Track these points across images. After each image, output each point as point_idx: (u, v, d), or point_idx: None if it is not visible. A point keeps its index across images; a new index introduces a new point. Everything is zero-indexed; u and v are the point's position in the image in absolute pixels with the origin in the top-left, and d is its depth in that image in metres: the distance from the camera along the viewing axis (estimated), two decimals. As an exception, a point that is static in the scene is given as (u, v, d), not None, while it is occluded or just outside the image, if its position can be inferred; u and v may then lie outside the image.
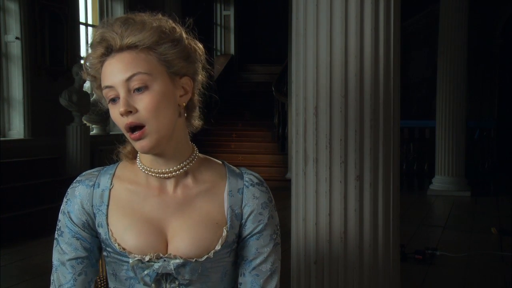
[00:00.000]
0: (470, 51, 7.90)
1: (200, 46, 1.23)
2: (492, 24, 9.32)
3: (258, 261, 1.24)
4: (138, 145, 1.14)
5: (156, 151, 1.16)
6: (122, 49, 1.13)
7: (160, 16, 1.18)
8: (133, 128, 1.12)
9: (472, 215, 6.52)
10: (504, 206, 6.83)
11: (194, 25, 1.22)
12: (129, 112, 1.11)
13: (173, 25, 1.18)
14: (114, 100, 1.13)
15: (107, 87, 1.13)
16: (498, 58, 9.48)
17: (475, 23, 8.60)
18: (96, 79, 1.18)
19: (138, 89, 1.12)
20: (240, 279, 1.25)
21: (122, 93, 1.12)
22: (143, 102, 1.12)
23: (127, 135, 1.15)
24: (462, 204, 7.16)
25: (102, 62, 1.15)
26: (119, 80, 1.12)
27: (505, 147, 9.27)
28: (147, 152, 1.15)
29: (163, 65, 1.15)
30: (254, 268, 1.24)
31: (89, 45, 1.19)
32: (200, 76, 1.23)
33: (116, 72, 1.12)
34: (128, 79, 1.12)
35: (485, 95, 9.42)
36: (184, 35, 1.19)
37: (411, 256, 4.38)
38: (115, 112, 1.14)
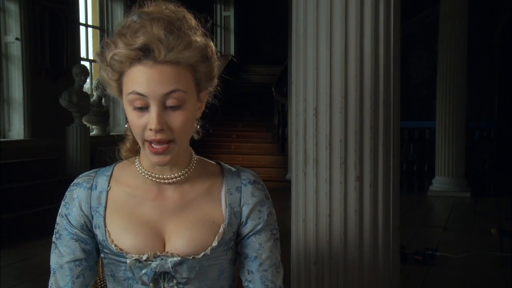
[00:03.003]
0: (470, 52, 7.90)
1: (216, 57, 1.21)
2: (492, 25, 9.33)
3: (263, 256, 1.25)
4: (155, 158, 1.12)
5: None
6: (164, 62, 1.07)
7: (193, 21, 1.14)
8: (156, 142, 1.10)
9: (472, 215, 6.52)
10: (504, 207, 6.83)
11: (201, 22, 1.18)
12: (161, 129, 1.09)
13: (206, 37, 1.15)
14: (141, 108, 1.09)
15: (138, 94, 1.08)
16: (498, 58, 9.48)
17: (475, 23, 8.60)
18: (114, 72, 1.11)
19: (172, 107, 1.09)
20: (248, 277, 1.26)
21: (155, 107, 1.08)
22: (175, 121, 1.10)
23: (145, 145, 1.12)
24: (462, 205, 7.16)
25: (132, 63, 1.09)
26: (157, 93, 1.07)
27: (505, 148, 9.27)
28: (163, 165, 1.15)
29: (195, 83, 1.13)
30: (261, 264, 1.25)
31: (119, 35, 1.09)
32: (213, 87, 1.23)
33: (153, 84, 1.07)
34: (167, 94, 1.08)
35: (485, 96, 9.42)
36: (213, 48, 1.17)
37: (411, 256, 4.37)
38: (140, 122, 1.10)
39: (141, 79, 1.08)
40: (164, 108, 1.09)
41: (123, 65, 1.10)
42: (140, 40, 1.07)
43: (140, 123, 1.10)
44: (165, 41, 1.07)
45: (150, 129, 1.09)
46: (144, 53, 1.07)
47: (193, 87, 1.13)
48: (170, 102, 1.09)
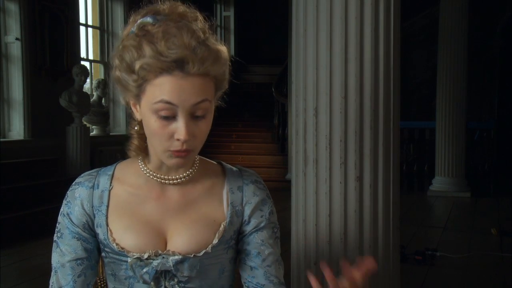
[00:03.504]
0: (470, 52, 7.90)
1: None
2: (492, 25, 9.33)
3: (266, 252, 1.25)
4: (175, 161, 1.12)
5: None
6: (194, 74, 1.07)
7: (206, 23, 1.14)
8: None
9: (472, 216, 6.52)
10: (504, 207, 6.83)
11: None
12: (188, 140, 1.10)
13: (222, 42, 1.16)
14: (167, 118, 1.08)
15: (168, 103, 1.07)
16: (498, 59, 9.48)
17: (475, 23, 8.60)
18: (138, 78, 1.08)
19: (197, 116, 1.10)
20: (251, 273, 1.26)
21: (184, 117, 1.08)
22: (199, 130, 1.11)
23: (166, 152, 1.12)
24: (462, 205, 7.16)
25: (161, 73, 1.07)
26: (187, 103, 1.07)
27: (505, 148, 9.27)
28: (176, 168, 1.17)
29: (215, 91, 1.15)
30: (264, 260, 1.25)
31: (147, 41, 1.06)
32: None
33: (185, 94, 1.07)
34: (196, 104, 1.08)
35: (485, 96, 9.42)
36: (228, 57, 1.17)
37: (411, 257, 4.38)
38: (165, 131, 1.09)
39: (170, 89, 1.06)
40: (191, 118, 1.09)
41: (150, 74, 1.08)
42: (174, 53, 1.05)
43: (167, 132, 1.10)
44: (199, 53, 1.06)
45: (178, 139, 1.09)
46: (177, 65, 1.06)
47: (214, 95, 1.14)
48: (199, 112, 1.09)
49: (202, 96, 1.08)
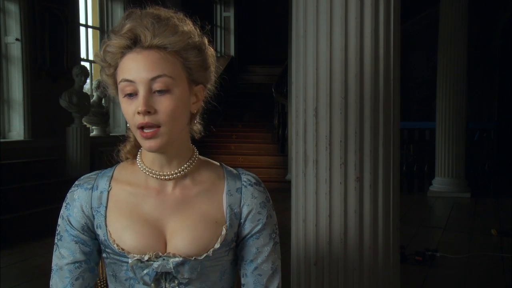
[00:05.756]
0: (470, 52, 7.91)
1: (213, 52, 1.23)
2: (492, 25, 9.33)
3: (259, 260, 1.24)
4: (147, 143, 1.13)
5: (161, 152, 1.17)
6: (150, 47, 1.12)
7: (184, 18, 1.18)
8: (145, 126, 1.12)
9: (472, 216, 6.52)
10: (504, 208, 6.83)
11: (202, 28, 1.21)
12: (147, 112, 1.11)
13: (199, 31, 1.19)
14: (130, 95, 1.12)
15: (127, 81, 1.12)
16: (498, 59, 9.48)
17: (475, 24, 8.61)
18: (110, 67, 1.16)
19: (160, 91, 1.12)
20: (243, 280, 1.26)
21: (142, 91, 1.11)
22: (163, 105, 1.12)
23: (137, 132, 1.14)
24: (462, 206, 7.17)
25: (123, 53, 1.13)
26: (143, 78, 1.11)
27: (505, 148, 9.27)
28: (153, 151, 1.15)
29: (185, 71, 1.16)
30: (256, 268, 1.24)
31: (111, 31, 1.15)
32: (210, 84, 1.25)
33: (141, 69, 1.11)
34: (153, 79, 1.11)
35: (485, 96, 9.42)
36: (206, 42, 1.20)
37: (411, 257, 4.38)
38: (130, 108, 1.13)
39: (129, 66, 1.12)
40: (151, 92, 1.12)
41: (116, 57, 1.14)
42: (127, 27, 1.12)
43: (131, 109, 1.13)
44: (151, 27, 1.11)
45: (139, 113, 1.11)
46: (133, 41, 1.12)
47: (183, 75, 1.15)
48: (156, 86, 1.12)
49: (158, 70, 1.11)
